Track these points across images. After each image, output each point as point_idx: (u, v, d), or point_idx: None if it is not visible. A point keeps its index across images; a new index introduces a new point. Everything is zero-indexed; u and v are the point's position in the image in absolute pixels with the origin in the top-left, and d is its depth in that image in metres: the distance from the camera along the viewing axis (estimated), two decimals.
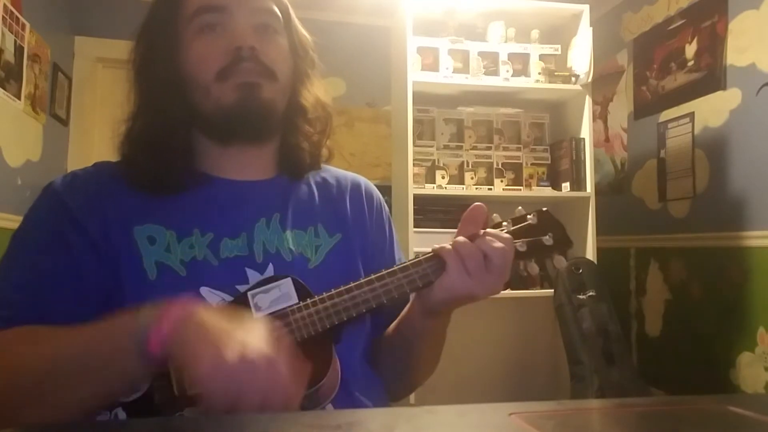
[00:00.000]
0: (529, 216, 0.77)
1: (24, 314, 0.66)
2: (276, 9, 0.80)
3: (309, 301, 0.69)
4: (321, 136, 0.86)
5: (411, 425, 0.48)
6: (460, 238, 0.72)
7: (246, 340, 0.55)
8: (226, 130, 0.77)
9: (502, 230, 0.76)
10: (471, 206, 0.75)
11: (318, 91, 0.86)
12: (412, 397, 2.05)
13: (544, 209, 0.78)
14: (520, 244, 0.75)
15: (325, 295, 0.70)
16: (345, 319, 0.69)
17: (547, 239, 0.76)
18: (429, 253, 0.73)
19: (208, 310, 0.60)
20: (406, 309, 0.81)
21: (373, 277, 0.72)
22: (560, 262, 0.76)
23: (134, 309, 0.60)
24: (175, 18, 0.78)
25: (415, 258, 0.74)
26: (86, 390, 0.60)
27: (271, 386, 0.54)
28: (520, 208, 0.79)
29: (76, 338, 0.62)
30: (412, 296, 0.78)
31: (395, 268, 0.73)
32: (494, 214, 0.77)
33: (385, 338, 0.86)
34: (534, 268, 0.77)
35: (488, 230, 0.74)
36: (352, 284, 0.71)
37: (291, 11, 0.84)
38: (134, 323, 0.58)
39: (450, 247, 0.72)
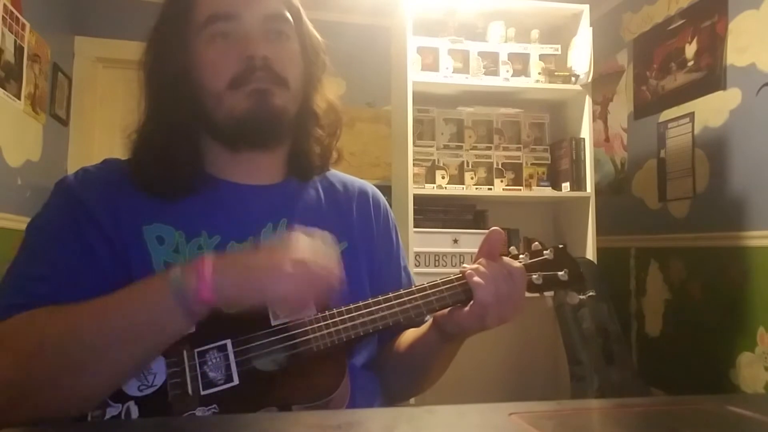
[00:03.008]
0: (545, 252, 0.79)
1: (44, 304, 0.66)
2: (288, 14, 0.80)
3: (327, 313, 0.70)
4: (331, 138, 0.87)
5: (411, 425, 0.48)
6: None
7: (282, 251, 0.63)
8: (236, 137, 0.77)
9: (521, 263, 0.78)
10: (489, 231, 0.76)
11: (329, 94, 0.86)
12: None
13: (561, 246, 0.81)
14: (537, 277, 0.77)
15: (343, 308, 0.71)
16: (362, 334, 0.70)
17: (563, 275, 0.78)
18: (448, 277, 0.75)
19: (229, 253, 0.67)
20: (422, 332, 0.82)
21: (391, 295, 0.73)
22: (573, 298, 0.79)
23: (154, 277, 0.64)
24: (186, 24, 0.77)
25: (434, 281, 0.75)
26: (122, 356, 0.62)
27: (324, 272, 0.64)
28: (537, 243, 0.81)
29: (106, 307, 0.63)
30: (428, 320, 0.81)
31: (413, 288, 0.74)
32: (511, 247, 0.79)
33: (394, 351, 0.86)
34: (548, 302, 0.80)
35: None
36: (371, 300, 0.72)
37: (303, 14, 0.84)
38: (166, 282, 0.61)
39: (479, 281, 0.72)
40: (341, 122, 0.88)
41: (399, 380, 0.87)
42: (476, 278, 0.72)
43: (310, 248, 0.64)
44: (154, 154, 0.76)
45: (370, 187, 0.94)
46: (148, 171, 0.76)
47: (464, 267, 0.75)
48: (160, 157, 0.76)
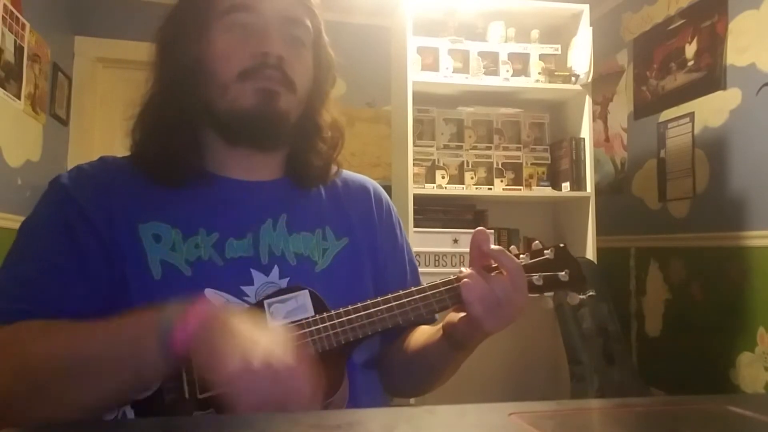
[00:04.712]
0: (546, 251, 0.77)
1: (32, 308, 0.66)
2: (308, 23, 0.80)
3: (325, 315, 0.70)
4: (332, 151, 0.86)
5: (411, 425, 0.48)
6: (476, 278, 0.71)
7: (271, 348, 0.56)
8: (235, 131, 0.77)
9: (519, 263, 0.76)
10: (474, 232, 0.75)
11: (333, 110, 0.86)
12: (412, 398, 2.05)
13: (562, 245, 0.78)
14: (537, 278, 0.75)
15: (341, 310, 0.70)
16: (360, 336, 0.70)
17: (563, 276, 0.76)
18: (448, 278, 0.74)
19: (233, 312, 0.61)
20: (433, 339, 0.80)
21: (390, 296, 0.72)
22: (574, 298, 0.77)
23: (155, 307, 0.60)
24: (207, 10, 0.76)
25: (433, 282, 0.74)
26: (100, 387, 0.60)
27: (291, 395, 0.55)
28: (537, 242, 0.79)
29: (94, 334, 0.62)
30: (439, 326, 0.79)
31: (412, 289, 0.73)
32: (512, 246, 0.77)
33: (402, 351, 0.85)
34: (548, 303, 0.78)
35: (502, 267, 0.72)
36: (369, 302, 0.71)
37: (323, 29, 0.84)
38: (157, 321, 0.58)
39: (471, 291, 0.71)
40: (343, 138, 0.88)
41: (406, 380, 0.87)
42: (468, 293, 0.70)
43: (293, 362, 0.57)
44: (155, 139, 0.76)
45: (371, 183, 0.93)
46: (147, 156, 0.76)
47: (462, 271, 0.73)
48: (161, 143, 0.75)
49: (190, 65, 0.76)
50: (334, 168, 0.88)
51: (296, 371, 0.56)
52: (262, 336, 0.58)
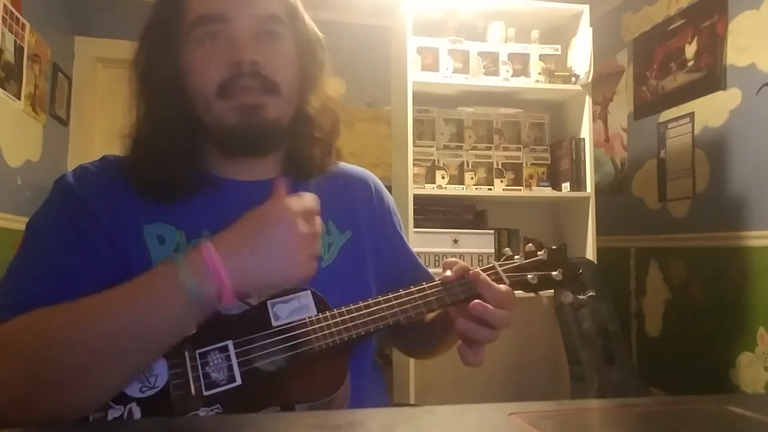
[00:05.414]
0: (539, 252, 0.82)
1: (40, 305, 0.65)
2: (280, 13, 0.77)
3: (328, 313, 0.71)
4: (330, 137, 0.85)
5: (411, 425, 0.48)
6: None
7: (278, 213, 0.65)
8: (228, 145, 0.77)
9: (514, 263, 0.81)
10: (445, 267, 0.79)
11: (325, 92, 0.84)
12: (412, 397, 2.05)
13: (554, 247, 0.84)
14: (532, 277, 0.80)
15: (344, 309, 0.71)
16: (363, 334, 0.71)
17: (557, 275, 0.80)
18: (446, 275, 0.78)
19: (222, 233, 0.66)
20: (436, 315, 0.84)
21: (391, 295, 0.74)
22: (567, 297, 0.83)
23: (159, 267, 0.64)
24: (176, 25, 0.75)
25: (433, 282, 0.78)
26: (134, 356, 0.62)
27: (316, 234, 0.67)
28: (530, 244, 0.84)
29: (112, 305, 0.62)
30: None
31: (412, 288, 0.76)
32: (506, 248, 0.83)
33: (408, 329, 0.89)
34: (543, 301, 0.83)
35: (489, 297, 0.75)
36: (371, 301, 0.73)
37: (300, 10, 0.81)
38: (178, 287, 0.60)
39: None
40: (339, 120, 0.86)
41: (409, 342, 0.93)
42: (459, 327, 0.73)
43: (299, 204, 0.67)
44: (152, 156, 0.75)
45: (371, 176, 0.94)
46: (145, 173, 0.75)
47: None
48: (159, 160, 0.74)
49: (171, 84, 0.74)
50: (334, 155, 0.87)
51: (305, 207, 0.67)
52: (261, 215, 0.66)
